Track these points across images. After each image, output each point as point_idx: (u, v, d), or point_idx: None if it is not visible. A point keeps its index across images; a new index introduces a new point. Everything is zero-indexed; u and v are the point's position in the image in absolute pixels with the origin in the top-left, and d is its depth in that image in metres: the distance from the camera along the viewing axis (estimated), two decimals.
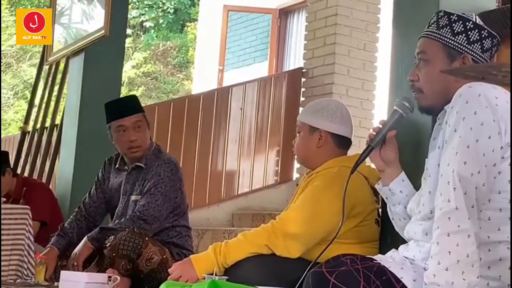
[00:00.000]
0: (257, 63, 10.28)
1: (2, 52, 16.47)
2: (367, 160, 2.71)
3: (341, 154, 3.17)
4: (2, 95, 16.54)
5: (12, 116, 16.28)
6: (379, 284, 2.26)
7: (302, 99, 7.82)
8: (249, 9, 10.42)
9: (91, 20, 5.92)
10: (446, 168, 2.20)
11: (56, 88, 7.10)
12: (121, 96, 6.14)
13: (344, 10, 7.56)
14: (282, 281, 2.69)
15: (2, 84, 16.58)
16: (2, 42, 16.32)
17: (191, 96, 9.00)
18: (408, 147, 2.85)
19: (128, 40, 15.74)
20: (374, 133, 2.65)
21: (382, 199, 2.83)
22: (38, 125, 7.10)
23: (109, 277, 3.43)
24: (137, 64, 17.52)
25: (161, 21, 18.42)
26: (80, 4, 6.27)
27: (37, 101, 7.39)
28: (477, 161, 2.17)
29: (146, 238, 3.77)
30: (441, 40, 2.45)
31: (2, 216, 3.87)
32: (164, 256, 3.81)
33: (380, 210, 3.11)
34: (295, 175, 7.80)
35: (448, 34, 2.44)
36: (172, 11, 18.46)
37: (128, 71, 16.51)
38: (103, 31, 5.47)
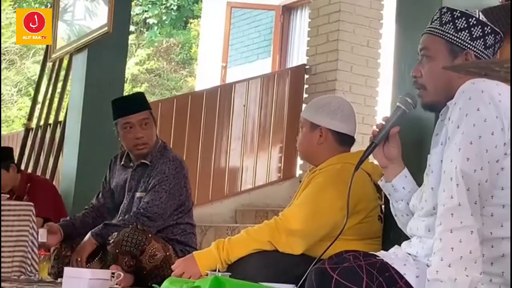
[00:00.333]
0: (260, 59, 10.28)
1: (6, 49, 16.50)
2: (370, 156, 2.71)
3: (343, 151, 3.17)
4: (6, 91, 16.57)
5: (15, 113, 16.30)
6: (382, 280, 2.26)
7: (305, 95, 7.82)
8: (252, 5, 10.42)
9: (94, 17, 5.93)
10: (449, 164, 2.20)
11: (59, 85, 7.12)
12: (124, 93, 6.15)
13: (348, 7, 7.56)
14: (285, 278, 2.69)
15: (6, 81, 16.61)
16: (6, 40, 16.34)
17: (194, 92, 9.01)
18: (411, 143, 2.85)
19: (131, 37, 15.73)
20: (377, 129, 2.65)
21: (385, 196, 2.83)
22: (42, 122, 7.11)
23: (113, 273, 3.44)
24: (140, 60, 17.52)
25: (164, 17, 18.42)
26: (83, 1, 6.28)
27: (40, 98, 7.41)
28: (480, 158, 2.17)
29: (150, 235, 3.78)
30: (444, 37, 2.45)
31: (6, 213, 3.88)
32: (167, 253, 3.82)
33: (383, 206, 3.11)
34: (298, 172, 7.80)
35: (451, 31, 2.44)
36: (175, 7, 18.46)
37: (131, 67, 16.51)
38: (106, 28, 5.48)
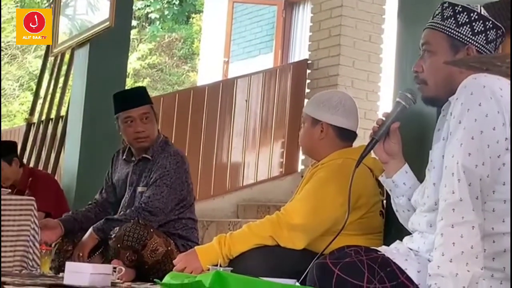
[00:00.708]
0: (262, 54, 10.26)
1: (8, 44, 16.50)
2: (371, 152, 2.71)
3: (344, 147, 3.17)
4: (8, 86, 16.58)
5: (17, 108, 16.31)
6: (384, 275, 2.26)
7: (307, 90, 7.82)
8: (254, 0, 10.40)
9: (96, 12, 5.93)
10: (450, 159, 2.20)
11: (61, 79, 7.11)
12: (126, 88, 6.14)
13: (350, 1, 7.55)
14: (286, 273, 2.69)
15: (8, 75, 16.61)
16: (7, 34, 16.34)
17: (196, 87, 9.00)
18: (413, 139, 2.85)
19: (133, 32, 15.74)
20: (378, 125, 2.64)
21: (387, 191, 2.83)
22: (44, 117, 7.12)
23: (114, 268, 3.44)
24: (142, 55, 17.50)
25: (166, 12, 18.38)
26: None
27: (42, 92, 7.41)
28: (482, 153, 2.17)
29: (151, 230, 3.79)
30: (445, 31, 2.44)
31: (8, 207, 3.88)
32: (169, 248, 3.82)
33: (384, 201, 3.11)
34: (300, 167, 7.80)
35: (452, 25, 2.44)
36: (177, 2, 18.42)
37: (133, 62, 16.49)
38: (108, 23, 5.47)
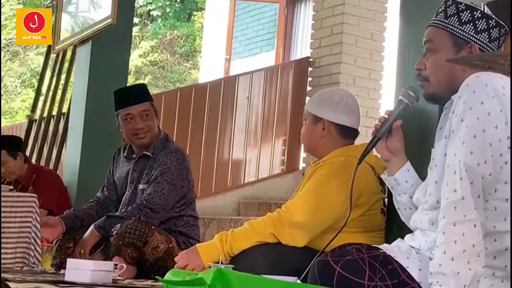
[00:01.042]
0: (264, 52, 10.26)
1: (10, 40, 16.50)
2: (373, 150, 2.71)
3: (346, 144, 3.17)
4: (9, 83, 16.59)
5: (19, 105, 16.32)
6: (385, 273, 2.26)
7: (308, 88, 7.82)
8: None
9: (98, 9, 5.92)
10: (452, 157, 2.19)
11: (63, 76, 7.11)
12: (127, 85, 6.14)
13: (352, 0, 7.55)
14: (288, 270, 2.69)
15: (9, 72, 16.62)
16: (10, 31, 16.35)
17: (198, 85, 9.00)
18: (415, 137, 2.85)
19: (135, 29, 15.74)
20: (380, 123, 2.64)
21: (389, 189, 2.83)
22: (45, 114, 7.12)
23: (115, 265, 3.45)
24: (144, 53, 17.51)
25: (168, 9, 18.38)
26: None
27: (44, 89, 7.41)
28: (484, 151, 2.16)
29: (153, 227, 3.79)
30: (448, 29, 2.44)
31: (10, 204, 3.89)
32: (170, 245, 3.82)
33: (386, 199, 3.11)
34: (302, 165, 7.80)
35: (455, 23, 2.43)
36: (179, 0, 18.43)
37: (135, 60, 16.50)
38: (110, 20, 5.47)
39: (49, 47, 7.22)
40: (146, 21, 18.60)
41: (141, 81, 15.64)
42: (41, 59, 11.63)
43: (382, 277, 2.25)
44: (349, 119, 3.17)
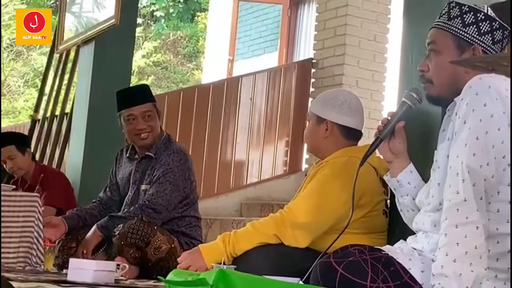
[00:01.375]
0: (267, 53, 10.26)
1: (13, 40, 16.52)
2: (376, 151, 2.71)
3: (349, 145, 3.17)
4: (13, 83, 16.60)
5: (22, 104, 16.33)
6: (387, 275, 2.26)
7: (311, 89, 7.82)
8: None
9: (102, 9, 5.93)
10: (455, 159, 2.19)
11: (66, 76, 7.12)
12: (130, 85, 6.14)
13: (355, 1, 7.55)
14: (290, 271, 2.69)
15: (13, 72, 16.64)
16: (13, 31, 16.36)
17: (201, 85, 9.01)
18: (418, 138, 2.85)
19: (138, 29, 15.73)
20: (383, 125, 2.64)
21: (391, 190, 2.83)
22: (48, 114, 7.13)
23: (118, 265, 3.45)
24: (147, 53, 17.51)
25: (171, 10, 18.39)
26: None
27: (47, 89, 7.42)
28: (486, 153, 2.16)
29: (155, 227, 3.79)
30: (451, 31, 2.44)
31: (12, 203, 3.90)
32: (173, 245, 3.83)
33: (388, 201, 3.10)
34: (304, 166, 7.80)
35: (458, 25, 2.43)
36: (182, 0, 18.43)
37: (138, 60, 16.51)
38: (113, 20, 5.48)
39: (52, 47, 7.23)
40: (149, 21, 18.61)
41: (144, 82, 15.65)
42: (44, 59, 11.65)
43: (385, 279, 2.26)
44: (352, 120, 3.17)
